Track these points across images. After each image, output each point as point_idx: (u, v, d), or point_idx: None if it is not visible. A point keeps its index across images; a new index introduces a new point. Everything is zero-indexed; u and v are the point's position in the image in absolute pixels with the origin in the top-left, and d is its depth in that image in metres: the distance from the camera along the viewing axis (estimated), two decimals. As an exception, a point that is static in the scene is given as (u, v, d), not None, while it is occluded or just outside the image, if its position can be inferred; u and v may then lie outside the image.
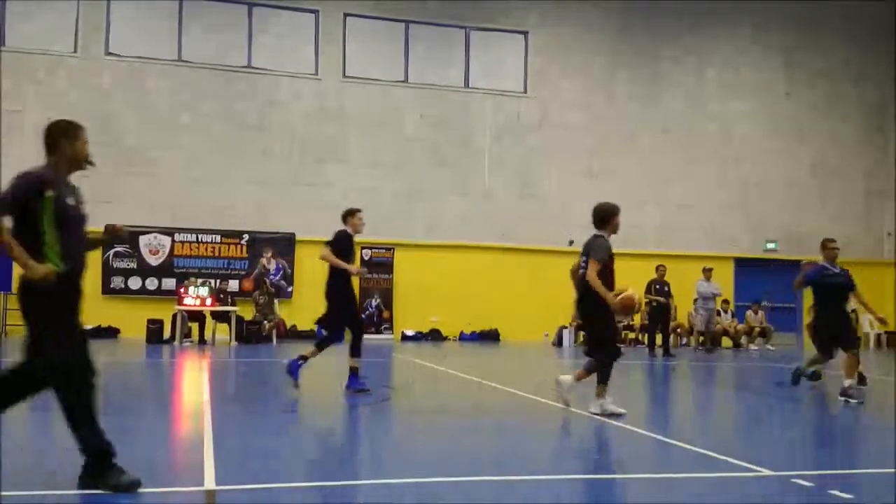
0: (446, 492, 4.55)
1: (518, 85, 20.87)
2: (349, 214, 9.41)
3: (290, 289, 19.10)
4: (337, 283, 8.96)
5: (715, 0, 21.63)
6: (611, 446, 6.61)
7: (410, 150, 20.04)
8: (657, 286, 16.36)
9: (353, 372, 8.85)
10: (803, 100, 22.27)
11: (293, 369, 8.83)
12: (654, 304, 16.34)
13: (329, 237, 9.18)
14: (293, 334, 18.45)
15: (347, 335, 8.99)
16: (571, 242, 20.44)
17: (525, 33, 20.93)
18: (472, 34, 20.67)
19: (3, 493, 3.99)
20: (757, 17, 22.04)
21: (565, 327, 19.25)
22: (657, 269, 16.58)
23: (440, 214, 20.08)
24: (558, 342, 19.25)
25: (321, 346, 8.99)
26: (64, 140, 4.37)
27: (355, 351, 8.80)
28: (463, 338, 19.71)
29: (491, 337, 19.78)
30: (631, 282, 17.67)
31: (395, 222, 19.72)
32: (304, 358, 8.88)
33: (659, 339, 16.80)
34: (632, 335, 19.53)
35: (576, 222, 20.60)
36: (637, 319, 18.67)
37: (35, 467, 4.85)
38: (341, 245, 9.04)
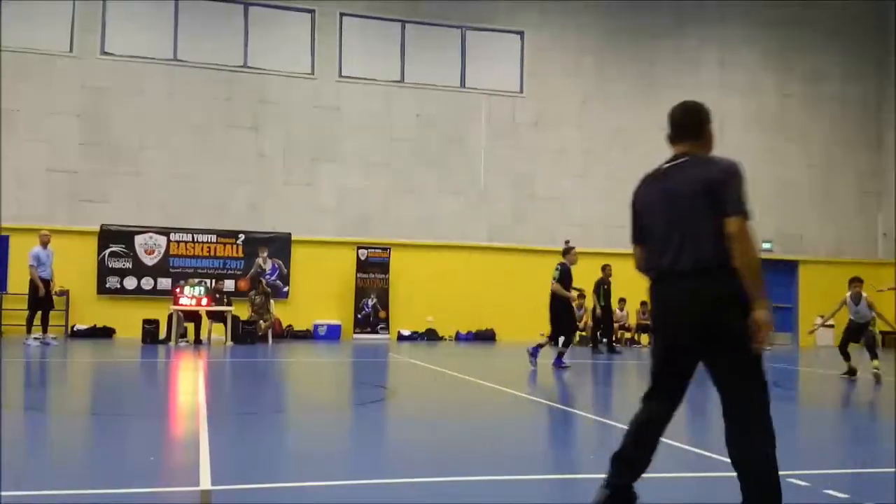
0: (442, 491, 4.55)
1: (514, 85, 20.88)
2: (567, 252, 12.73)
3: (286, 289, 19.09)
4: (562, 304, 12.45)
5: (705, 0, 21.68)
6: (604, 445, 6.61)
7: (406, 150, 20.04)
8: (605, 286, 16.75)
9: (560, 356, 12.26)
10: (795, 100, 22.31)
11: (557, 364, 12.08)
12: (602, 303, 16.73)
13: (556, 271, 12.60)
14: (289, 334, 18.44)
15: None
16: (567, 242, 20.48)
17: (521, 33, 20.94)
18: (468, 34, 20.68)
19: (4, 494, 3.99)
20: (747, 17, 22.08)
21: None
22: (603, 268, 16.86)
23: (436, 214, 20.08)
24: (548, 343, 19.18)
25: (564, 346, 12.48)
26: None
27: (566, 343, 12.39)
28: (459, 338, 19.71)
29: (486, 337, 19.78)
30: (618, 281, 17.75)
31: (391, 222, 19.72)
32: (561, 360, 12.18)
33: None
34: (582, 333, 19.24)
35: (572, 222, 20.71)
36: (587, 318, 18.71)
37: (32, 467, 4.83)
38: (565, 277, 12.40)
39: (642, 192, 3.84)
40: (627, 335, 19.75)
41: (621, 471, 3.70)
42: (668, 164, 3.78)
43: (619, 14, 21.34)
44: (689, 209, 3.54)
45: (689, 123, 3.80)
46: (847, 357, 11.25)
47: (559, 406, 8.68)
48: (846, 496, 4.65)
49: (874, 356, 11.19)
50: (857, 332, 11.34)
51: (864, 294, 11.36)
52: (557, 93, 20.95)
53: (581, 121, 21.07)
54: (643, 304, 19.16)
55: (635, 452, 3.72)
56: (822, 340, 20.02)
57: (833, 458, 6.39)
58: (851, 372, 11.21)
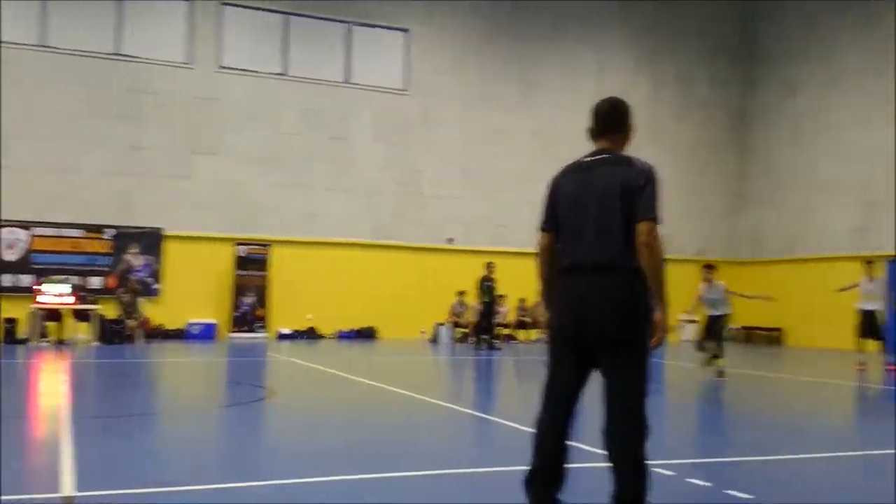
0: (311, 492, 4.48)
1: (398, 82, 20.86)
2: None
3: (156, 286, 18.33)
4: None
5: (581, 2, 22.32)
6: (478, 439, 6.70)
7: (288, 144, 19.65)
8: (488, 283, 17.12)
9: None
10: (666, 104, 23.32)
11: None
12: (486, 300, 17.09)
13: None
14: (160, 334, 17.71)
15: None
16: (451, 240, 20.66)
17: (406, 31, 20.95)
18: (353, 30, 20.50)
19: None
20: (623, 21, 22.89)
21: (442, 324, 19.43)
22: (487, 266, 17.22)
23: (318, 211, 19.79)
24: (435, 339, 19.38)
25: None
26: None
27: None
28: (341, 336, 19.52)
29: (367, 335, 19.69)
30: (502, 279, 18.06)
31: (271, 218, 19.28)
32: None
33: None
34: (464, 330, 19.49)
35: (455, 220, 20.89)
36: (468, 316, 19.01)
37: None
38: None
39: (563, 182, 3.86)
40: (506, 331, 20.12)
41: (541, 487, 3.69)
42: (590, 158, 3.82)
43: (502, 15, 21.67)
44: (605, 207, 3.62)
45: (615, 119, 3.86)
46: (704, 350, 11.62)
47: (441, 403, 8.73)
48: (709, 484, 4.89)
49: (718, 352, 11.45)
50: (711, 326, 11.78)
51: (721, 283, 11.74)
52: (442, 91, 21.07)
53: (465, 120, 21.26)
54: (522, 300, 19.55)
55: (551, 461, 3.71)
56: (688, 336, 21.04)
57: (695, 448, 6.72)
58: (713, 363, 11.63)
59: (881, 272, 13.14)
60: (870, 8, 20.59)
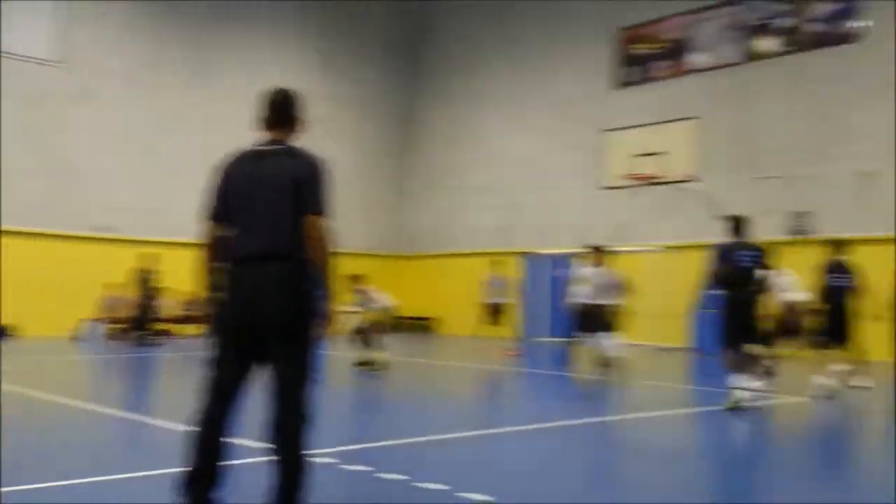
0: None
1: (49, 52, 18.74)
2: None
3: None
4: None
5: (259, -3, 22.07)
6: (130, 442, 6.33)
7: None
8: (145, 275, 16.44)
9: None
10: (340, 101, 23.85)
11: None
12: (147, 294, 16.44)
13: None
14: None
15: None
16: (107, 229, 19.06)
17: (57, -3, 18.91)
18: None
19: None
20: (299, 11, 22.98)
21: (95, 320, 17.83)
22: (147, 258, 16.48)
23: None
24: (85, 336, 17.70)
25: None
26: None
27: None
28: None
29: (2, 333, 17.44)
30: (165, 271, 17.20)
31: None
32: None
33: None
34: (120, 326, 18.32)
35: (114, 208, 19.29)
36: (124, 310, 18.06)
37: None
38: None
39: (232, 171, 3.73)
40: (168, 326, 19.11)
41: (199, 487, 3.55)
42: (261, 148, 3.73)
43: (169, -6, 20.54)
44: (276, 198, 3.56)
45: (287, 111, 3.80)
46: (367, 345, 11.86)
47: (89, 407, 8.05)
48: (369, 468, 5.10)
49: (375, 347, 11.80)
50: (372, 323, 12.15)
51: (369, 288, 12.17)
52: (102, 67, 19.36)
53: (128, 100, 19.76)
54: (186, 293, 18.72)
55: (209, 462, 3.58)
56: (352, 327, 21.76)
57: (356, 434, 6.96)
58: (367, 363, 11.90)
59: (505, 269, 15.00)
60: (513, 31, 22.93)
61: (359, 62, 24.34)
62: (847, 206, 16.55)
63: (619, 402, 9.46)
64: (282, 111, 3.80)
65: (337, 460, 5.21)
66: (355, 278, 12.11)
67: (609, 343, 10.89)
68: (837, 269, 10.42)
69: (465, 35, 24.27)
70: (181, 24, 20.79)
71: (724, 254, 8.39)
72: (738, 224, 8.65)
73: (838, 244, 10.75)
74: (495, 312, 14.75)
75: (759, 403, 8.35)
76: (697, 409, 9.22)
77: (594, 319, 11.97)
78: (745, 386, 8.15)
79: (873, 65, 16.39)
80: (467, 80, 24.05)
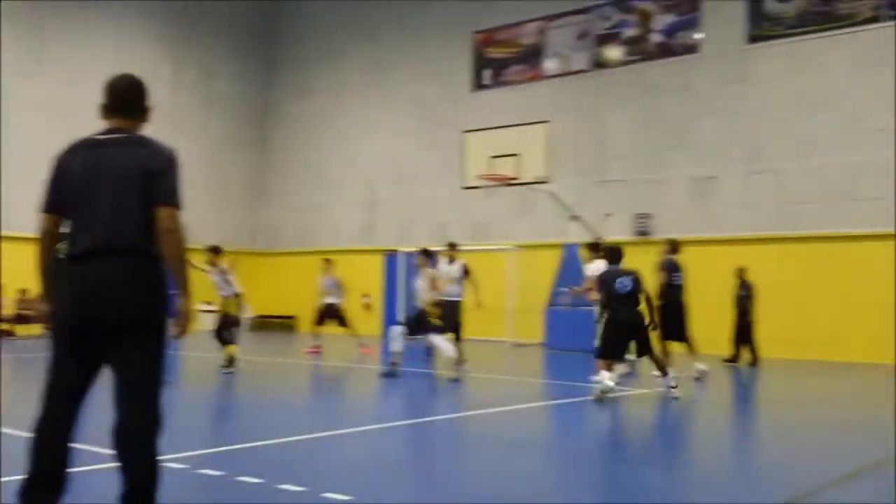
0: None
1: None
2: None
3: None
4: None
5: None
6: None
7: None
8: None
9: None
10: (189, 93, 23.05)
11: None
12: None
13: None
14: None
15: None
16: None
17: None
18: None
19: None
20: (145, 6, 22.00)
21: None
22: None
23: None
24: None
25: None
26: None
27: None
28: None
29: None
30: None
31: None
32: None
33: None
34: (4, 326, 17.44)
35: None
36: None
37: None
38: None
39: (71, 161, 3.50)
40: (3, 326, 17.85)
41: (41, 495, 3.34)
42: (104, 137, 3.53)
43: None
44: (122, 189, 3.39)
45: (132, 98, 3.63)
46: (225, 343, 11.53)
47: None
48: (221, 473, 4.98)
49: (229, 343, 11.46)
50: (224, 321, 11.87)
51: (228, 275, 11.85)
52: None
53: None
54: (22, 291, 17.58)
55: (52, 469, 3.38)
56: (207, 325, 21.08)
57: (209, 438, 6.78)
58: (230, 362, 11.59)
59: (334, 271, 15.00)
60: (372, 27, 22.94)
61: (210, 51, 23.59)
62: (685, 210, 17.68)
63: (473, 397, 9.69)
64: (125, 98, 3.63)
65: (188, 465, 5.06)
66: (214, 250, 11.74)
67: (438, 341, 11.05)
68: (675, 269, 11.24)
69: (325, 31, 24.04)
70: (15, 8, 19.41)
71: (605, 282, 9.20)
72: (613, 253, 9.55)
73: (674, 245, 11.58)
74: (329, 313, 14.69)
75: (618, 395, 8.85)
76: (549, 403, 9.58)
77: (446, 317, 12.34)
78: (608, 379, 8.78)
79: (709, 75, 17.58)
80: (328, 76, 23.85)
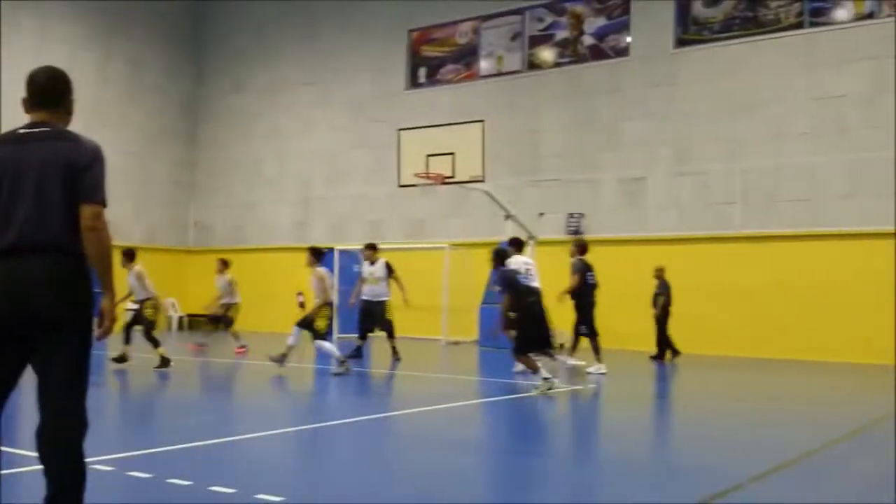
0: None
1: None
2: None
3: None
4: None
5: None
6: None
7: None
8: None
9: None
10: (115, 85, 22.44)
11: None
12: None
13: None
14: None
15: None
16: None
17: None
18: None
19: None
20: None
21: None
22: None
23: None
24: None
25: None
26: None
27: None
28: None
29: None
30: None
31: None
32: None
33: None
34: None
35: None
36: None
37: None
38: None
39: None
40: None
41: None
42: (27, 131, 3.42)
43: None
44: (45, 185, 3.29)
45: (55, 91, 3.52)
46: (157, 344, 11.36)
47: None
48: (150, 475, 4.90)
49: (150, 342, 11.45)
50: (135, 318, 11.76)
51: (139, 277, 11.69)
52: None
53: None
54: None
55: None
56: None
57: (137, 439, 6.65)
58: (121, 359, 11.40)
59: (228, 271, 14.93)
60: (308, 23, 22.74)
61: (139, 43, 23.02)
62: (615, 210, 18.05)
63: (406, 396, 9.72)
64: (48, 91, 3.52)
65: (115, 468, 4.96)
66: (127, 254, 11.56)
67: (319, 345, 11.07)
68: (589, 268, 11.90)
69: (259, 26, 23.70)
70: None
71: (510, 277, 9.69)
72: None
73: (582, 245, 12.24)
74: (225, 313, 14.63)
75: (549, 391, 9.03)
76: (482, 401, 9.67)
77: (373, 317, 12.61)
78: (539, 376, 9.10)
79: (639, 78, 17.98)
80: (261, 71, 23.51)
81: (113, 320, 3.47)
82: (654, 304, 14.62)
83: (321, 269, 11.20)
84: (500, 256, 10.01)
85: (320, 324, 11.05)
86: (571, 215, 18.31)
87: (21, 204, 3.32)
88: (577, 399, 9.50)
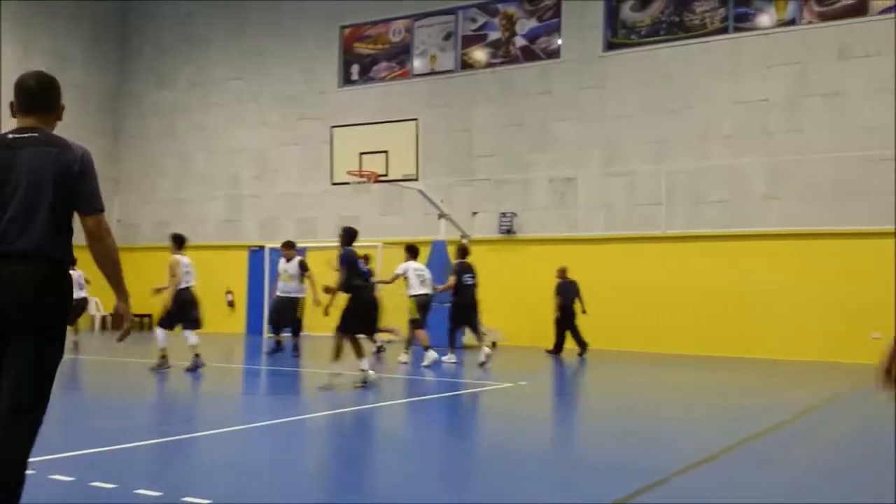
0: None
1: None
2: None
3: None
4: None
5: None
6: None
7: None
8: None
9: None
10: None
11: None
12: None
13: None
14: None
15: None
16: None
17: None
18: None
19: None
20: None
21: None
22: None
23: None
24: None
25: None
26: None
27: None
28: None
29: None
30: None
31: None
32: None
33: None
34: None
35: None
36: None
37: None
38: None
39: None
40: None
41: None
42: (16, 136, 3.36)
43: None
44: (35, 191, 3.25)
45: (45, 96, 3.49)
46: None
47: None
48: (72, 478, 4.76)
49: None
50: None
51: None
52: None
53: None
54: None
55: None
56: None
57: (58, 442, 6.45)
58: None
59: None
60: (237, 17, 22.37)
61: (62, 37, 22.30)
62: (546, 209, 18.28)
63: (335, 396, 9.66)
64: (36, 96, 3.48)
65: (36, 471, 4.79)
66: None
67: (158, 332, 11.21)
68: (468, 270, 12.63)
69: (187, 20, 23.20)
70: None
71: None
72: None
73: (464, 249, 13.01)
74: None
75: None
76: (409, 400, 9.67)
77: (284, 313, 12.84)
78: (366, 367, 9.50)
79: (569, 80, 18.25)
80: (189, 65, 23.03)
81: (130, 322, 3.58)
82: (559, 300, 15.16)
83: (176, 256, 11.30)
84: (347, 235, 10.24)
85: (164, 312, 11.13)
86: (504, 214, 18.47)
87: (10, 209, 3.27)
88: (476, 398, 9.59)
